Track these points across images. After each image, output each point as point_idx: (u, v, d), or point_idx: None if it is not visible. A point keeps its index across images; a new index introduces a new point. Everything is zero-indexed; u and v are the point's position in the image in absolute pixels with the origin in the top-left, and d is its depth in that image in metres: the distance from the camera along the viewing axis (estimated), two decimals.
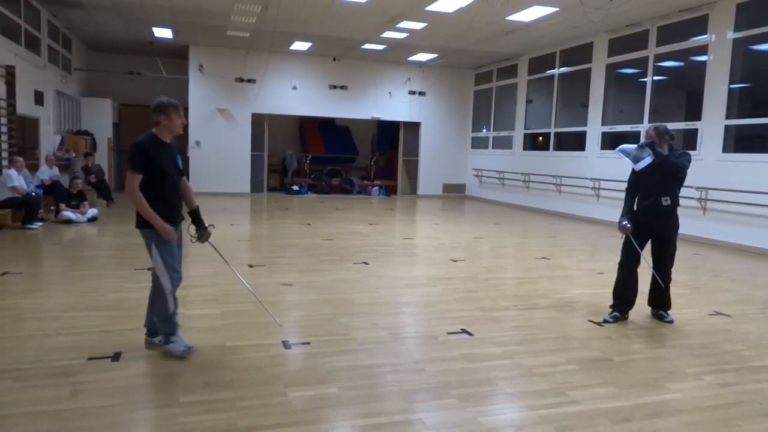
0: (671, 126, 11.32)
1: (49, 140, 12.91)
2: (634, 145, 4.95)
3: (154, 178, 3.79)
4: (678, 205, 5.01)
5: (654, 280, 5.15)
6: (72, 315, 4.76)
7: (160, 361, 3.84)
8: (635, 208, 5.10)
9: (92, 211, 10.36)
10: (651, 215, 4.96)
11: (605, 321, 5.05)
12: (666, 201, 4.89)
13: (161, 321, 3.95)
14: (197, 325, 4.59)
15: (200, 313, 4.91)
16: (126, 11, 12.11)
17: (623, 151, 4.96)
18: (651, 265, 5.09)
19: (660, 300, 5.18)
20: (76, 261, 7.11)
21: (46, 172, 11.18)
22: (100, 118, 15.84)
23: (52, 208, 10.47)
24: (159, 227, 3.75)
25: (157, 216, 3.74)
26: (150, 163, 3.77)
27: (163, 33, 14.20)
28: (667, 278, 5.10)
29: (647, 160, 4.80)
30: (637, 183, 5.08)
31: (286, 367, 3.83)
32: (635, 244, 5.00)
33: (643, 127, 11.44)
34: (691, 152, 10.26)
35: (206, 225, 4.20)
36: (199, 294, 5.61)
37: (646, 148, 4.82)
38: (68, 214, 9.93)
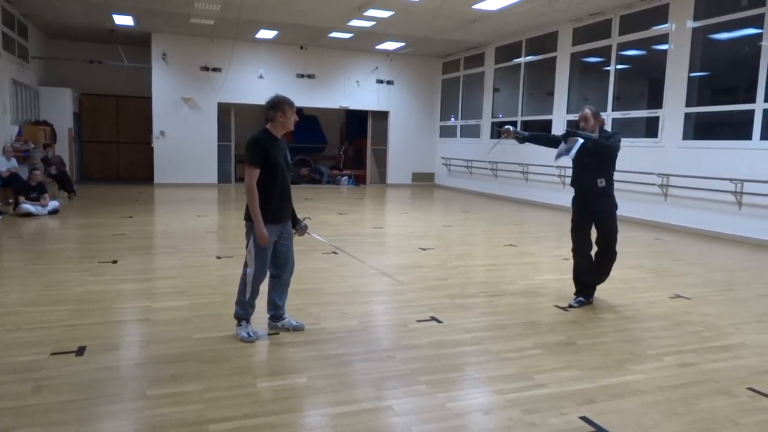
0: (634, 114, 11.64)
1: (6, 131, 12.48)
2: (562, 145, 5.06)
3: (269, 173, 3.97)
4: (613, 186, 5.16)
5: (595, 263, 5.27)
6: (34, 310, 4.64)
7: (126, 355, 3.79)
8: (574, 192, 5.24)
9: (53, 204, 10.07)
10: (589, 197, 5.14)
11: (570, 306, 5.16)
12: (601, 182, 5.05)
13: (237, 304, 4.14)
14: (164, 317, 4.53)
15: (168, 305, 4.85)
16: None
17: (560, 156, 5.08)
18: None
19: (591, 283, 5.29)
20: (37, 255, 6.93)
21: (4, 164, 10.85)
22: (60, 108, 15.37)
23: (10, 200, 10.16)
24: (258, 230, 3.91)
25: (260, 217, 3.90)
26: (267, 159, 3.93)
27: (124, 20, 13.83)
28: (611, 261, 5.23)
29: (578, 143, 4.92)
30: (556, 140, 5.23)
31: (255, 358, 3.82)
32: (578, 233, 5.19)
33: (607, 115, 11.65)
34: (653, 139, 10.62)
35: (303, 218, 4.41)
36: (167, 286, 5.54)
37: (569, 138, 4.97)
38: (28, 206, 9.64)
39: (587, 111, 5.10)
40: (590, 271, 5.24)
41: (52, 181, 12.22)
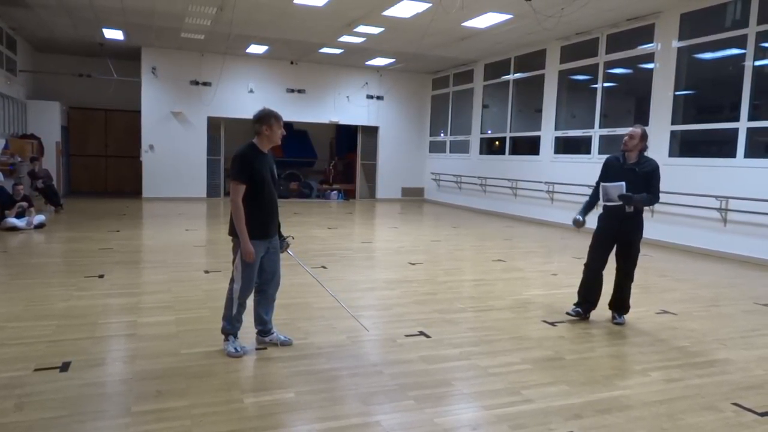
0: (621, 131, 11.72)
1: None
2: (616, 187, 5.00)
3: (256, 188, 3.93)
4: (642, 211, 5.10)
5: (616, 282, 5.24)
6: (17, 325, 4.58)
7: (111, 371, 3.74)
8: (602, 211, 5.21)
9: (39, 218, 9.97)
10: (615, 218, 5.06)
11: (568, 313, 5.21)
12: (629, 207, 4.97)
13: (224, 319, 4.11)
14: (151, 332, 4.50)
15: (154, 320, 4.81)
16: (74, 11, 11.75)
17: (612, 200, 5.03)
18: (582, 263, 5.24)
19: (617, 303, 5.25)
20: (22, 269, 6.86)
21: None
22: (48, 121, 15.31)
23: None
24: (243, 246, 3.88)
25: (246, 234, 3.87)
26: (253, 174, 3.92)
27: (114, 34, 13.83)
28: (629, 280, 5.18)
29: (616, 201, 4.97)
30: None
31: (243, 373, 3.79)
32: (596, 251, 5.16)
33: (594, 132, 11.79)
34: None
35: (286, 236, 4.38)
36: (154, 301, 5.50)
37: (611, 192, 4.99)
38: (13, 221, 9.54)
39: (638, 130, 4.98)
40: (595, 289, 5.20)
41: (38, 194, 12.13)
